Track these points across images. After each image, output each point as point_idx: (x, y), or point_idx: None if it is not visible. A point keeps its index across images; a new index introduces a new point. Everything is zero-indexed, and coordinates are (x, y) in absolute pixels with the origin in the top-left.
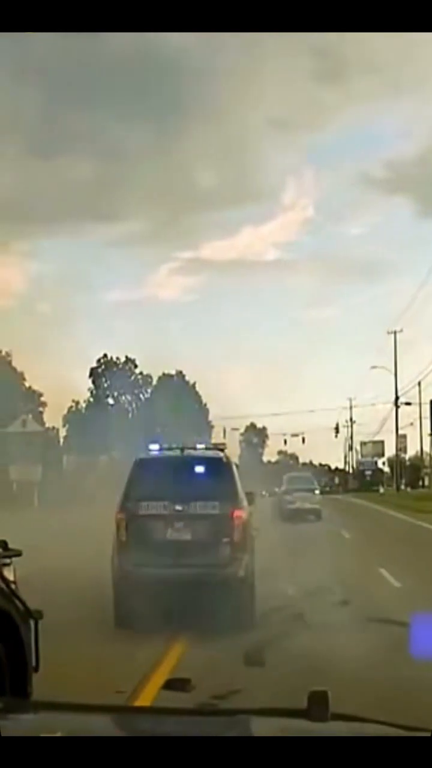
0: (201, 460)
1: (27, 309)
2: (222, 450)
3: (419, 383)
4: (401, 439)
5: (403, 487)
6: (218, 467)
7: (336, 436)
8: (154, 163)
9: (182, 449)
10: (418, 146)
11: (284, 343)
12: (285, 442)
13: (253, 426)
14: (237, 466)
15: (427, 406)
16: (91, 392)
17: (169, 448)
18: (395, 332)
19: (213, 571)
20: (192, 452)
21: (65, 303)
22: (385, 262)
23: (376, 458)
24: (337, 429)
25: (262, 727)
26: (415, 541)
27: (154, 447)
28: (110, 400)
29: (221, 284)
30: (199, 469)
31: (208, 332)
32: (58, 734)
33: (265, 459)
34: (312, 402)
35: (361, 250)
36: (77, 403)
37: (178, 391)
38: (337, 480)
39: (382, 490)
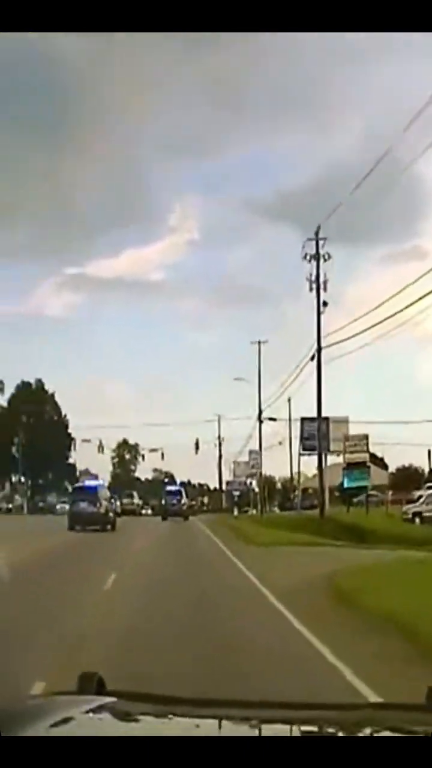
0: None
1: None
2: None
3: (289, 399)
4: (254, 456)
5: (276, 508)
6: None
7: (196, 453)
8: (41, 177)
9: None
10: (306, 176)
11: (159, 361)
12: (143, 457)
13: (125, 442)
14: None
15: (298, 423)
16: None
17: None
18: (259, 342)
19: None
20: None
21: None
22: (265, 286)
23: (249, 478)
24: (197, 446)
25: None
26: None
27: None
28: None
29: (103, 301)
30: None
31: (82, 346)
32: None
33: (141, 476)
34: (180, 418)
35: (242, 274)
36: None
37: (37, 399)
38: (206, 499)
39: (236, 512)
